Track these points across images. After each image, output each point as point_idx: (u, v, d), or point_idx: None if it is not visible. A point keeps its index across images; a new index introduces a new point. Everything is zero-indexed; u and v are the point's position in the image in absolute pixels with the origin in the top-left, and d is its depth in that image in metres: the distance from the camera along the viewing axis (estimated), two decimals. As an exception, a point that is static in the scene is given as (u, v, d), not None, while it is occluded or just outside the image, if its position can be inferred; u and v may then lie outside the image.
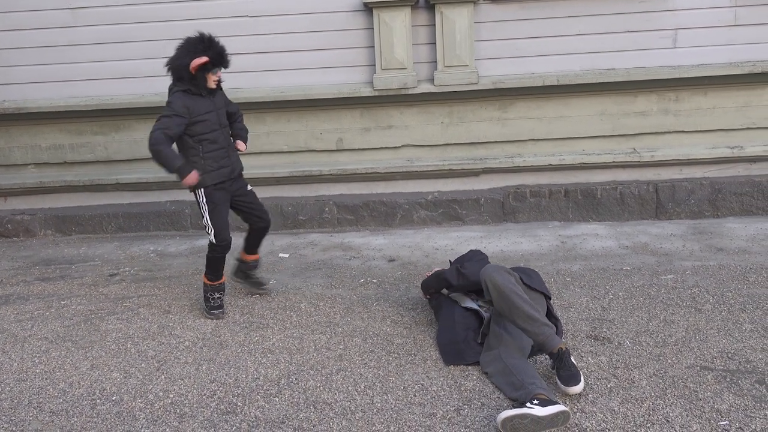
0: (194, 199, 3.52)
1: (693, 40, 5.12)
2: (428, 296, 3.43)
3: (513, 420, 2.22)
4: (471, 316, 3.05)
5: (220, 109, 3.54)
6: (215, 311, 3.56)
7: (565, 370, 2.53)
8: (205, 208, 3.47)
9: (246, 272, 3.85)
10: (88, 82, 5.40)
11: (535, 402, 2.29)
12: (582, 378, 2.53)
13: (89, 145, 5.53)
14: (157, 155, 3.28)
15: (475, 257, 3.33)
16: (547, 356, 2.72)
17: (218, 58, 3.40)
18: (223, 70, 3.47)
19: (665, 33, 5.14)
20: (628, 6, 5.09)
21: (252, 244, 3.79)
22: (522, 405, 2.30)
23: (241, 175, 3.68)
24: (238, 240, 3.79)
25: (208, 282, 3.58)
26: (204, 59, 3.31)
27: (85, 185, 5.51)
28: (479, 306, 3.07)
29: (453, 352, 2.92)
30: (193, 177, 3.31)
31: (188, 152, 3.43)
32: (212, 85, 3.44)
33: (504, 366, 2.63)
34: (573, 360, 2.59)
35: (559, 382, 2.54)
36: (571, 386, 2.50)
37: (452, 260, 3.47)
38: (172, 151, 3.32)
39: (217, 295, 3.58)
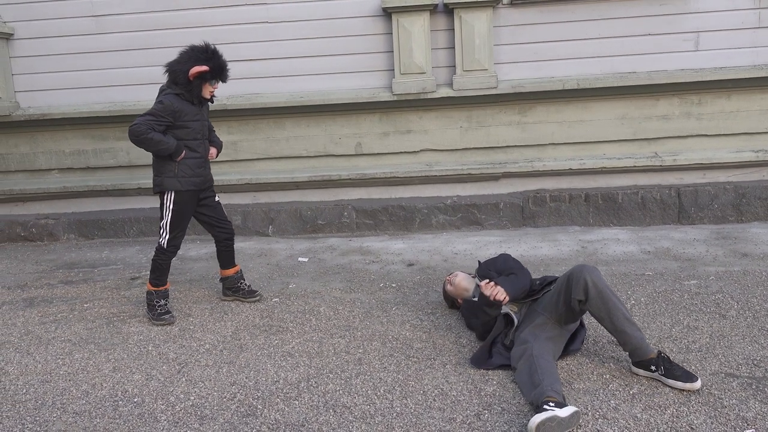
0: (160, 202, 3.55)
1: (716, 43, 5.07)
2: (459, 304, 3.43)
3: (545, 424, 2.23)
4: (502, 319, 3.04)
5: (205, 121, 3.60)
6: (165, 316, 3.55)
7: (678, 370, 2.59)
8: (168, 212, 3.50)
9: (233, 287, 3.85)
10: (111, 88, 5.49)
11: (551, 404, 2.30)
12: None
13: (112, 151, 5.61)
14: (149, 142, 3.33)
15: (509, 261, 3.31)
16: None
17: (218, 70, 3.44)
18: (220, 84, 3.53)
19: (687, 36, 5.09)
20: (649, 9, 5.05)
21: (226, 259, 3.84)
22: (541, 408, 2.31)
23: (211, 187, 3.74)
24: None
25: (153, 288, 3.59)
26: (204, 68, 3.36)
27: (108, 190, 5.59)
28: (511, 310, 3.06)
29: (481, 356, 2.92)
30: (183, 154, 3.45)
31: (165, 156, 3.45)
32: (207, 95, 3.49)
33: (532, 364, 2.62)
34: None
35: (681, 384, 2.56)
36: (694, 381, 2.54)
37: (481, 261, 3.46)
38: (160, 134, 3.36)
39: (163, 301, 3.60)
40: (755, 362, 2.77)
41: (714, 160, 5.14)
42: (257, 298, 3.84)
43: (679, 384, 2.55)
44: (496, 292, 2.92)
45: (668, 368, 2.60)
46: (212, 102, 3.61)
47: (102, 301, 3.98)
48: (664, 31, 5.09)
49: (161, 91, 3.48)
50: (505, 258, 3.32)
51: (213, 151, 3.74)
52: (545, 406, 2.30)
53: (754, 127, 5.15)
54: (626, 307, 2.74)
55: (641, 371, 2.68)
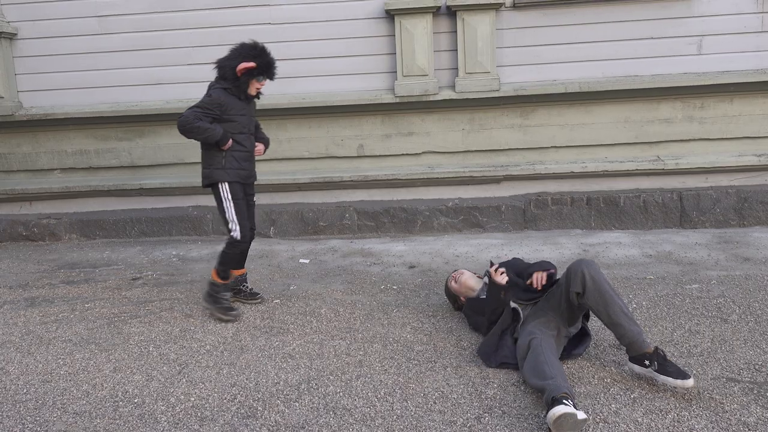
0: (216, 197, 3.57)
1: (719, 47, 5.07)
2: (462, 301, 3.43)
3: (564, 417, 2.23)
4: (510, 313, 3.04)
5: (252, 116, 3.64)
6: (232, 312, 3.56)
7: (671, 366, 2.56)
8: (229, 203, 3.53)
9: (235, 288, 3.82)
10: (113, 88, 5.50)
11: (569, 401, 2.29)
12: None
13: (114, 151, 5.61)
14: (196, 130, 3.39)
15: (524, 262, 3.33)
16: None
17: (266, 67, 3.49)
18: (267, 81, 3.56)
19: (690, 39, 5.09)
20: (652, 12, 5.05)
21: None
22: (559, 401, 2.29)
23: (254, 185, 3.76)
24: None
25: (221, 281, 3.58)
26: (251, 64, 3.42)
27: (110, 190, 5.59)
28: (518, 304, 3.07)
29: (489, 348, 2.95)
30: (230, 143, 3.48)
31: (213, 147, 3.50)
32: (253, 91, 3.54)
33: (540, 354, 2.62)
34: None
35: (672, 380, 2.52)
36: (687, 379, 2.50)
37: (492, 260, 3.47)
38: (206, 123, 3.41)
39: (227, 294, 3.61)
40: (757, 367, 2.77)
41: (716, 164, 5.13)
42: (258, 300, 3.84)
43: (670, 380, 2.52)
44: (503, 277, 3.05)
45: (662, 364, 2.56)
46: (258, 98, 3.67)
47: (103, 302, 3.98)
48: (667, 34, 5.09)
49: (210, 86, 3.54)
50: (517, 260, 3.35)
51: (260, 147, 3.75)
52: (564, 401, 2.29)
53: (756, 131, 5.14)
54: (624, 302, 2.74)
55: (636, 367, 2.66)
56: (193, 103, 3.53)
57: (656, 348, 2.62)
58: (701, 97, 5.13)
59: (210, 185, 3.58)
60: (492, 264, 3.33)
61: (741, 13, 5.02)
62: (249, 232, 3.61)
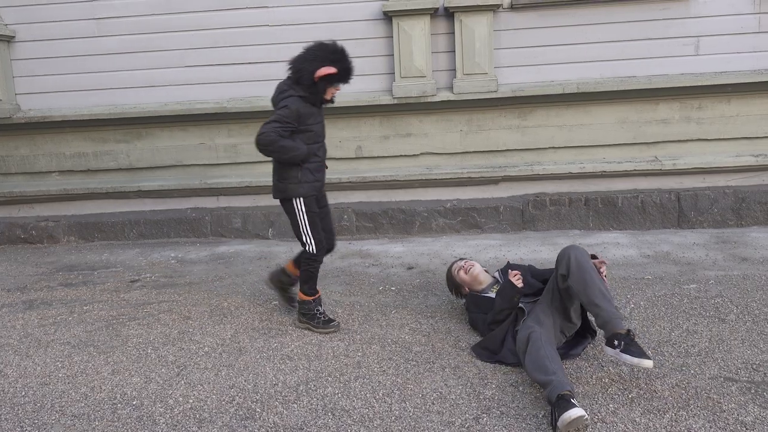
0: (288, 211, 3.35)
1: (716, 48, 5.08)
2: (464, 294, 3.43)
3: (578, 421, 2.25)
4: (514, 314, 3.06)
5: (323, 124, 3.43)
6: (332, 324, 3.39)
7: (635, 347, 2.57)
8: (304, 218, 3.31)
9: (284, 284, 3.69)
10: (111, 90, 5.50)
11: (575, 401, 2.31)
12: None
13: (112, 153, 5.62)
14: (281, 151, 3.18)
15: (538, 268, 3.38)
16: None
17: (345, 73, 3.22)
18: (341, 86, 3.32)
19: (687, 40, 5.10)
20: (649, 13, 5.06)
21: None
22: (569, 404, 2.30)
23: (325, 193, 3.58)
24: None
25: (309, 297, 3.41)
26: (332, 70, 3.15)
27: (108, 192, 5.59)
28: (523, 303, 3.08)
29: (491, 347, 2.99)
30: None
31: (282, 167, 3.28)
32: (328, 97, 3.29)
33: (541, 348, 2.62)
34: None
35: (630, 357, 2.54)
36: (646, 359, 2.52)
37: (510, 261, 3.49)
38: (290, 141, 3.20)
39: (321, 308, 3.44)
40: (754, 366, 2.77)
41: (714, 164, 5.14)
42: (295, 306, 3.62)
43: (628, 358, 2.53)
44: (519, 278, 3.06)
45: (627, 345, 2.57)
46: (332, 103, 3.41)
47: (101, 304, 3.98)
48: (665, 35, 5.10)
49: (281, 90, 3.27)
50: (532, 267, 3.36)
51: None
52: (573, 401, 2.31)
53: (754, 132, 5.15)
54: (607, 287, 2.76)
55: (608, 350, 2.64)
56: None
57: (628, 330, 2.62)
58: (699, 98, 5.14)
59: (282, 199, 3.36)
60: (510, 265, 3.35)
61: (738, 13, 5.03)
62: (325, 244, 3.43)
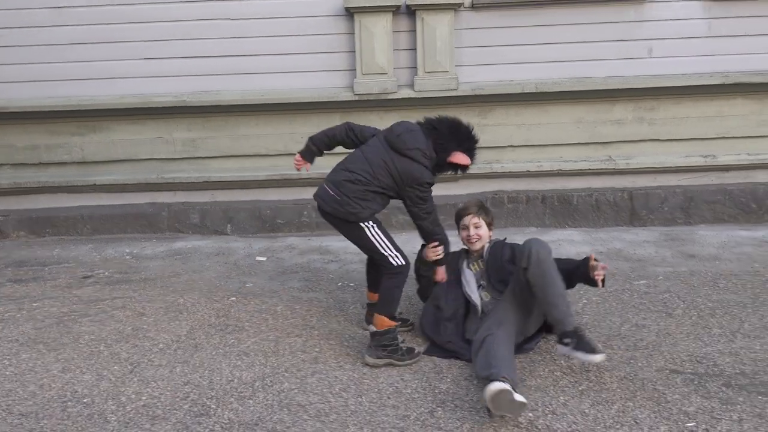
0: (358, 235, 3.08)
1: (669, 51, 5.23)
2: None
3: (501, 394, 2.28)
4: (462, 307, 3.10)
5: None
6: (416, 351, 3.00)
7: (586, 343, 2.64)
8: (379, 237, 3.06)
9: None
10: (66, 82, 5.36)
11: (508, 383, 2.34)
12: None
13: (66, 146, 5.47)
14: (443, 237, 3.15)
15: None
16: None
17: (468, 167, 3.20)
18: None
19: (642, 43, 5.24)
20: (605, 16, 5.18)
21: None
22: (497, 380, 2.34)
23: None
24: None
25: (392, 324, 2.97)
26: (468, 162, 3.15)
27: (61, 186, 5.45)
28: (481, 296, 3.10)
29: (446, 351, 3.03)
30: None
31: (369, 196, 3.05)
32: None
33: (490, 349, 2.64)
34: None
35: (581, 353, 2.63)
36: (596, 354, 2.61)
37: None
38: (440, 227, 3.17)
39: (401, 336, 3.06)
40: (698, 359, 2.88)
41: (665, 164, 5.30)
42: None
43: (580, 355, 2.62)
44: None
45: (578, 342, 2.65)
46: None
47: (52, 300, 3.88)
48: (620, 38, 5.23)
49: (418, 160, 3.02)
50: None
51: None
52: (502, 379, 2.34)
53: (703, 133, 5.33)
54: (564, 286, 2.79)
55: (561, 348, 2.71)
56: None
57: (577, 327, 2.70)
58: (652, 100, 5.29)
59: (351, 222, 3.07)
60: (496, 242, 3.30)
61: (690, 18, 5.20)
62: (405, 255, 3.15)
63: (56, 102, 5.32)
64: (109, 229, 5.43)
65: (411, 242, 4.92)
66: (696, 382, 2.67)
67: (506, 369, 2.48)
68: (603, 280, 2.86)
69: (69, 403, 2.67)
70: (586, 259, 2.93)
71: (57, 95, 5.37)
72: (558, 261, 2.99)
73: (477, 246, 3.25)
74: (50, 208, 5.52)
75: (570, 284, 3.02)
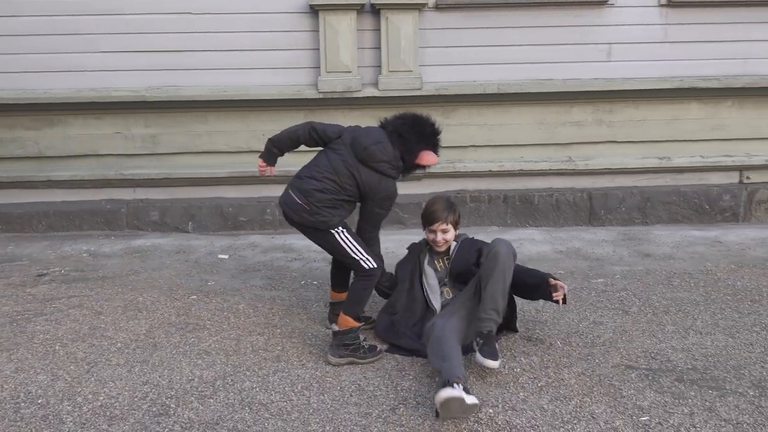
0: (328, 241, 3.07)
1: (626, 55, 5.35)
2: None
3: (450, 401, 2.30)
4: (420, 307, 3.13)
5: None
6: (378, 349, 3.03)
7: (489, 348, 2.70)
8: (348, 241, 3.04)
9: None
10: (20, 74, 5.19)
11: (459, 386, 2.36)
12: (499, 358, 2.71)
13: (20, 140, 5.30)
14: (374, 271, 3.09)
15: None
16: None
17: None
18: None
19: (600, 47, 5.35)
20: (566, 19, 5.27)
21: (344, 280, 3.38)
22: (450, 385, 2.35)
23: None
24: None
25: (356, 324, 3.00)
26: (435, 161, 3.18)
27: (14, 182, 5.28)
28: (443, 292, 3.14)
29: (392, 333, 3.10)
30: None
31: (337, 204, 3.05)
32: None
33: (441, 336, 2.68)
34: (497, 345, 2.79)
35: (480, 356, 2.69)
36: (492, 360, 2.66)
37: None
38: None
39: (363, 336, 3.07)
40: (652, 355, 2.96)
41: (622, 165, 5.43)
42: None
43: (479, 359, 2.68)
44: None
45: (483, 344, 2.72)
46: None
47: (5, 299, 3.76)
48: (580, 41, 5.33)
49: (383, 163, 3.06)
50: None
51: None
52: (455, 385, 2.35)
53: (659, 136, 5.47)
54: (506, 290, 2.83)
55: (473, 345, 2.80)
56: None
57: (489, 331, 2.76)
58: (610, 102, 5.41)
59: (321, 229, 3.06)
60: (465, 239, 3.34)
61: (646, 23, 5.33)
62: (376, 256, 3.18)
63: (9, 95, 5.14)
64: (65, 227, 5.28)
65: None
66: (650, 378, 2.75)
67: (458, 367, 2.50)
68: (564, 299, 2.91)
69: (22, 404, 2.59)
70: (547, 279, 2.96)
71: (10, 87, 5.19)
72: (523, 270, 3.08)
73: (443, 249, 3.28)
74: (3, 204, 5.34)
75: (531, 297, 3.12)
